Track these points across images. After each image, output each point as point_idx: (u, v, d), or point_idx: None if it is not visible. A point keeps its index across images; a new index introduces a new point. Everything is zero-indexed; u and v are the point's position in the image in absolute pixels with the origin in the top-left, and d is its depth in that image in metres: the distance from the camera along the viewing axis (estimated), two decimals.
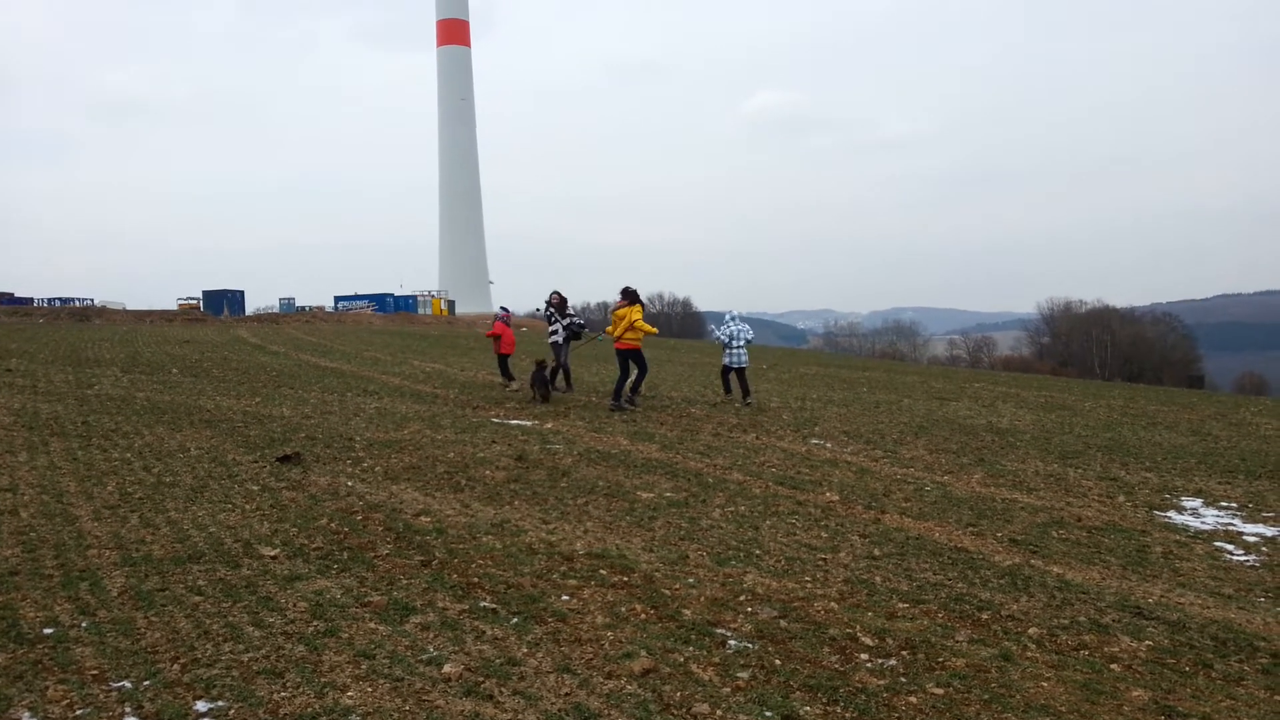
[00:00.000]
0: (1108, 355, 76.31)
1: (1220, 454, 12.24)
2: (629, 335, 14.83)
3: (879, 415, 15.41)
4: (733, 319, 16.06)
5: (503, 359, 18.67)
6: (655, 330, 14.96)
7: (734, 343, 15.92)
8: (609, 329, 15.28)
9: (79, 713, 4.15)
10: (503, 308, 19.89)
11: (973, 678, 4.73)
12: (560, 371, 17.51)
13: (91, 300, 59.84)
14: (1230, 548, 7.55)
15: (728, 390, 16.78)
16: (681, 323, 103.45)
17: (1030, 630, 5.45)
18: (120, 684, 4.43)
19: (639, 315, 14.92)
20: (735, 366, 16.08)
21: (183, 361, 22.94)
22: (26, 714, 4.13)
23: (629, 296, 14.87)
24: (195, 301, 64.24)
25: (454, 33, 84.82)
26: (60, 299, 60.45)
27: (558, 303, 17.30)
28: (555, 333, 17.23)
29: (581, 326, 17.62)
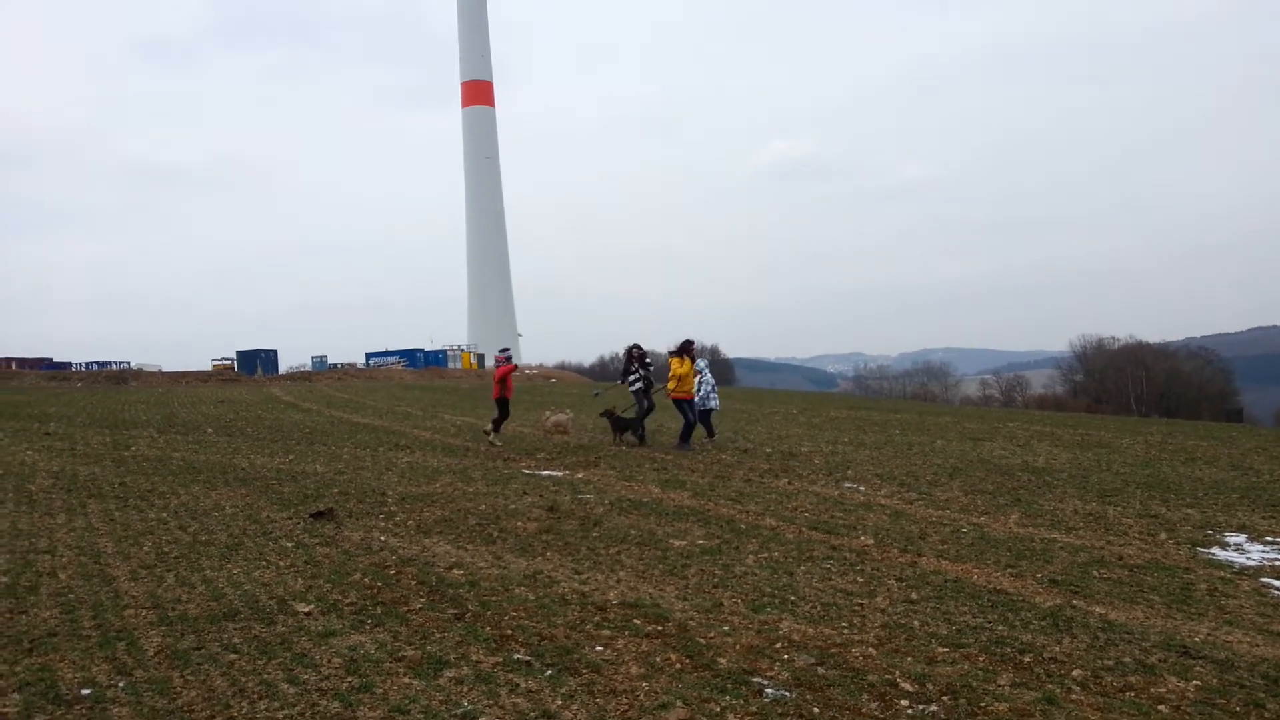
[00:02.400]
0: (1143, 391, 75.23)
1: (1263, 488, 11.98)
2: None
3: (912, 457, 15.27)
4: (706, 366, 17.47)
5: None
6: (673, 382, 16.33)
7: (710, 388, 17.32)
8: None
9: None
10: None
11: None
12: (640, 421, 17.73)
13: (128, 363, 60.81)
14: (1277, 584, 7.37)
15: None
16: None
17: (1074, 672, 5.33)
18: None
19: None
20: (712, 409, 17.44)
21: (217, 421, 23.21)
22: None
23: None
24: (229, 362, 65.07)
25: (478, 94, 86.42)
26: (97, 363, 61.47)
27: (639, 355, 18.01)
28: (635, 382, 17.61)
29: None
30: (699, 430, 17.02)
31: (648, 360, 18.14)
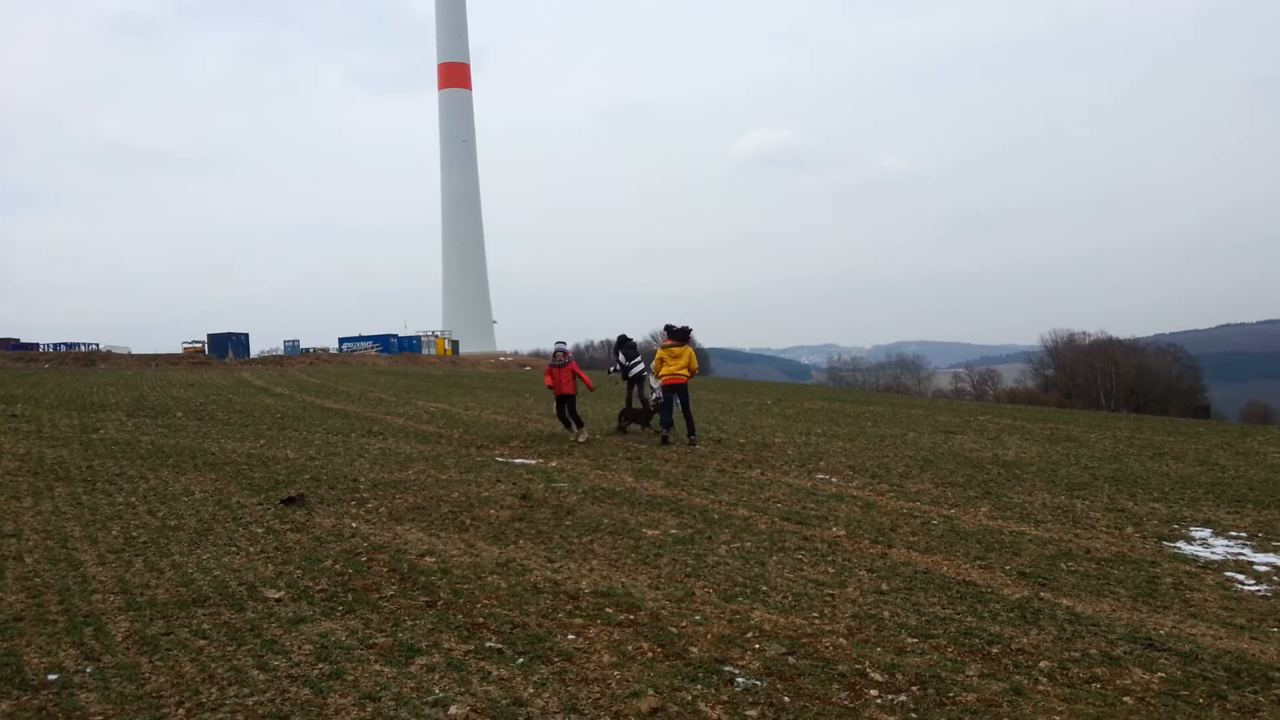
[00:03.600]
0: (1112, 386, 76.07)
1: (1228, 483, 12.17)
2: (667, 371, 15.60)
3: (884, 449, 15.37)
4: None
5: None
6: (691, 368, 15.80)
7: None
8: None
9: None
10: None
11: (984, 713, 4.68)
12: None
13: (96, 345, 59.98)
14: (1241, 578, 7.49)
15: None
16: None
17: (1041, 663, 5.40)
18: None
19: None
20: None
21: (187, 405, 22.97)
22: None
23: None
24: (200, 345, 64.38)
25: (455, 76, 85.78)
26: (65, 344, 60.62)
27: (624, 344, 18.06)
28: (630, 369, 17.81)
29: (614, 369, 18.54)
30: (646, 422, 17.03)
31: (631, 350, 18.11)
